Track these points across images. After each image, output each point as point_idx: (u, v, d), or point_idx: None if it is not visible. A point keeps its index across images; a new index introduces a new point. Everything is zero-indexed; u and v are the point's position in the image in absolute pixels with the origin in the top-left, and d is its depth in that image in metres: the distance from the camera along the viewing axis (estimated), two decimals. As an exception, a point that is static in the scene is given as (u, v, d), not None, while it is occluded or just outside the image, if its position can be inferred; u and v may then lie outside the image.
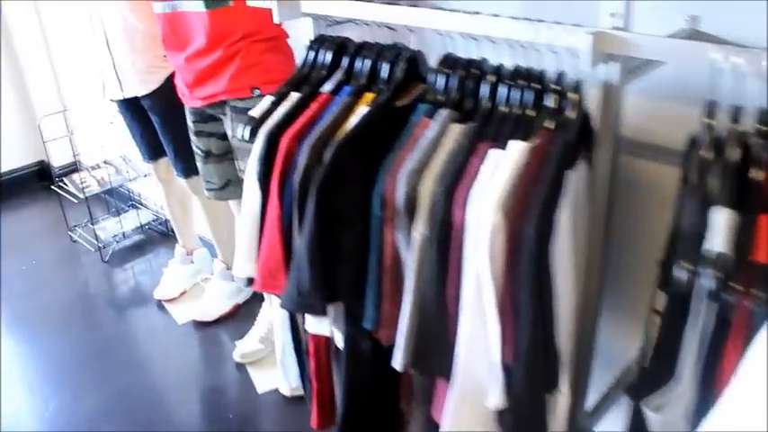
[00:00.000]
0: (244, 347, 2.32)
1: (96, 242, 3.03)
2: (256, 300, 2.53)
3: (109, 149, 3.09)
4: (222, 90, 1.85)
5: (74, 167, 3.29)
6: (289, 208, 1.27)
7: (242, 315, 2.55)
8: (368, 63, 1.30)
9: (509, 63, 1.16)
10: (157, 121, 2.32)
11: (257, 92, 1.83)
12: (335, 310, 1.27)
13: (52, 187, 3.20)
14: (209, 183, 2.16)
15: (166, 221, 3.16)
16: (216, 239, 2.56)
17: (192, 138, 2.10)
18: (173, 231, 2.92)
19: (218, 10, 1.76)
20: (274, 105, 1.35)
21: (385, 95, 1.23)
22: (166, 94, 2.16)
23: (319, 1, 1.38)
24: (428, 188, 1.06)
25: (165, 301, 2.68)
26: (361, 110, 1.23)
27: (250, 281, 1.41)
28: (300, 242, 1.19)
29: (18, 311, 2.71)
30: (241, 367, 2.30)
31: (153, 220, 3.23)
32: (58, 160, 3.41)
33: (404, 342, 1.10)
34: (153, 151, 2.49)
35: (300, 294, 1.20)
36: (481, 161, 1.05)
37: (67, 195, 3.10)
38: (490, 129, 1.10)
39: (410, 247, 1.09)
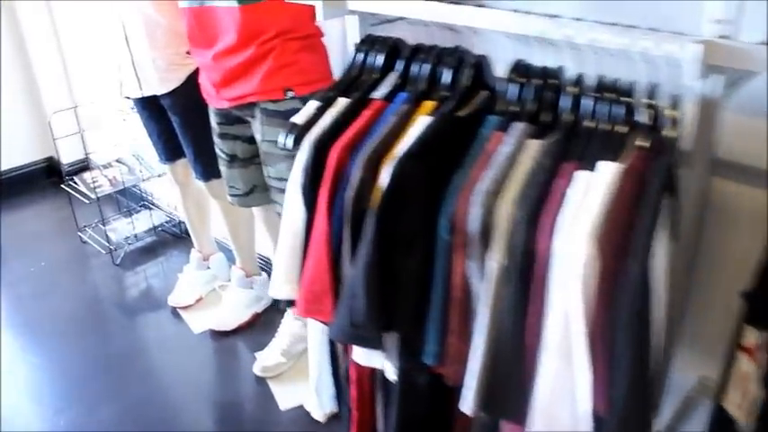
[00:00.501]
0: (265, 361, 2.20)
1: (107, 244, 2.91)
2: (276, 309, 2.41)
3: (121, 148, 2.97)
4: (253, 91, 1.73)
5: (84, 165, 3.17)
6: (338, 226, 1.15)
7: (261, 325, 2.43)
8: (426, 67, 1.18)
9: (584, 71, 1.05)
10: (177, 121, 2.19)
11: (291, 93, 1.71)
12: (388, 341, 1.15)
13: (62, 186, 3.08)
14: (232, 188, 2.05)
15: (180, 223, 3.05)
16: (235, 245, 2.44)
17: (216, 140, 1.98)
18: (186, 233, 2.81)
19: (250, 5, 1.64)
20: (320, 111, 1.23)
21: (450, 104, 1.11)
22: (188, 93, 2.05)
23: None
24: (507, 212, 0.95)
25: (179, 308, 2.56)
26: (422, 120, 1.12)
27: (290, 303, 1.29)
28: (355, 267, 1.08)
29: (26, 315, 2.60)
30: (261, 381, 2.18)
31: (166, 222, 3.10)
32: (67, 158, 3.29)
33: (476, 383, 0.99)
34: (170, 152, 2.37)
35: (354, 325, 1.08)
36: (567, 183, 0.93)
37: (78, 195, 2.98)
38: (574, 146, 0.98)
39: (484, 278, 0.97)
